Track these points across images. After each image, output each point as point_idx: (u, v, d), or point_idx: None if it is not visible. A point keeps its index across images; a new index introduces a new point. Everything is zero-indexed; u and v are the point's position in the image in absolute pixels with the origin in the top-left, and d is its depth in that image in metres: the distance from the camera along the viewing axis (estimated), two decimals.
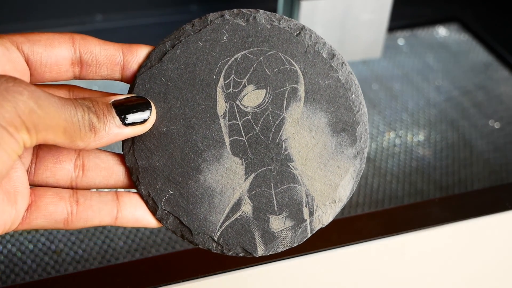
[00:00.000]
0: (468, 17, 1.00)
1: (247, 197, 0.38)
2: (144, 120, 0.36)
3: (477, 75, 0.91)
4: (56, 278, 0.49)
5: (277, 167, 0.38)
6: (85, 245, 0.62)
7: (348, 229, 0.52)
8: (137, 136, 0.37)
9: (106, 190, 0.40)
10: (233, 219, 0.38)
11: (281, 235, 0.38)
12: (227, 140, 0.38)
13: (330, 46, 0.38)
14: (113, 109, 0.34)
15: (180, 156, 0.38)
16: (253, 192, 0.38)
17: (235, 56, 0.38)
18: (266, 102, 0.38)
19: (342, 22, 0.78)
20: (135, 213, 0.38)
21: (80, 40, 0.36)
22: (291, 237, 0.38)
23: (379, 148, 0.77)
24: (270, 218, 0.38)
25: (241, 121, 0.38)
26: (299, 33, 0.38)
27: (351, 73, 0.38)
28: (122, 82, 0.39)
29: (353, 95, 0.38)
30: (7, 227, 0.34)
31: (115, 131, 0.34)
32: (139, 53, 0.38)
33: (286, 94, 0.38)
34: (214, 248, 0.38)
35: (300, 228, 0.38)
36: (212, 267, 0.48)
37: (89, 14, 0.86)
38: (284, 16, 0.38)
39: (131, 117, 0.35)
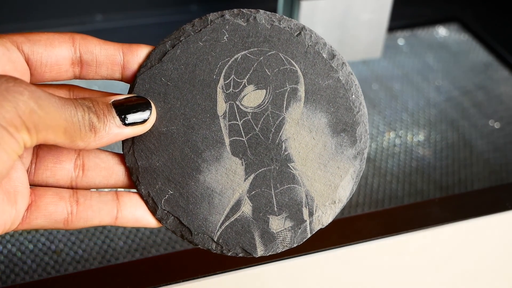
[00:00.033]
0: (468, 17, 1.00)
1: (247, 198, 0.38)
2: (144, 120, 0.36)
3: (477, 75, 0.91)
4: (56, 278, 0.49)
5: (277, 168, 0.38)
6: (85, 245, 0.62)
7: (348, 229, 0.52)
8: (137, 136, 0.37)
9: (106, 190, 0.40)
10: (232, 219, 0.38)
11: (280, 235, 0.38)
12: (227, 140, 0.38)
13: (331, 47, 0.38)
14: (113, 109, 0.34)
15: (180, 156, 0.38)
16: (253, 192, 0.38)
17: (235, 56, 0.38)
18: (266, 102, 0.38)
19: (342, 22, 0.78)
20: (135, 213, 0.38)
21: (80, 40, 0.36)
22: (290, 237, 0.38)
23: (379, 148, 0.77)
24: (270, 219, 0.38)
25: (241, 121, 0.38)
26: (299, 33, 0.38)
27: (351, 74, 0.38)
28: (122, 82, 0.39)
29: (353, 96, 0.38)
30: (7, 227, 0.34)
31: (115, 131, 0.34)
32: (139, 53, 0.38)
33: (286, 95, 0.38)
34: (213, 248, 0.38)
35: (300, 228, 0.38)
36: (212, 267, 0.48)
37: (89, 14, 0.86)
38: (285, 16, 0.38)
39: (131, 117, 0.35)
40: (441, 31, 0.99)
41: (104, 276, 0.48)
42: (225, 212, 0.38)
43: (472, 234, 0.55)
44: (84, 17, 0.85)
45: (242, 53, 0.38)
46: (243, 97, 0.38)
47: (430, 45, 0.96)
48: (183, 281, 0.47)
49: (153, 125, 0.37)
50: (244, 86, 0.38)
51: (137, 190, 0.38)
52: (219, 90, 0.38)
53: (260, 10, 0.38)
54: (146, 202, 0.38)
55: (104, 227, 0.64)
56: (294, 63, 0.38)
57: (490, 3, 1.02)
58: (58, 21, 0.84)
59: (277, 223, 0.38)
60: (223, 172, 0.38)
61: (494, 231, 0.56)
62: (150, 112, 0.36)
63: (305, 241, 0.39)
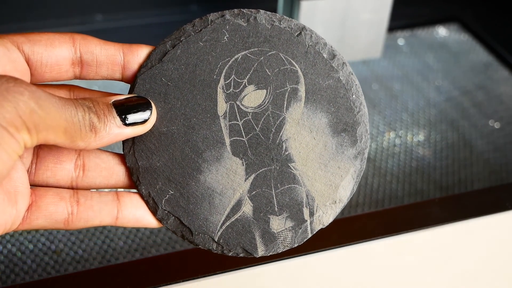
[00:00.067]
0: (468, 17, 1.00)
1: (247, 198, 0.38)
2: (145, 120, 0.36)
3: (477, 75, 0.91)
4: (56, 278, 0.49)
5: (278, 168, 0.38)
6: (85, 245, 0.62)
7: (348, 229, 0.52)
8: (138, 136, 0.37)
9: (106, 190, 0.40)
10: (233, 219, 0.38)
11: (281, 235, 0.38)
12: (227, 141, 0.38)
13: (331, 47, 0.38)
14: (113, 109, 0.34)
15: (181, 156, 0.38)
16: (254, 192, 0.38)
17: (236, 56, 0.38)
18: (266, 102, 0.38)
19: (342, 22, 0.78)
20: (136, 213, 0.38)
21: (80, 40, 0.36)
22: (291, 237, 0.38)
23: (379, 148, 0.77)
24: (271, 219, 0.38)
25: (242, 121, 0.38)
26: (300, 33, 0.38)
27: (352, 74, 0.38)
28: (122, 82, 0.39)
29: (353, 96, 0.38)
30: (8, 227, 0.34)
31: (116, 131, 0.34)
32: (140, 53, 0.38)
33: (287, 95, 0.38)
34: (214, 249, 0.38)
35: (301, 228, 0.38)
36: (212, 267, 0.48)
37: (89, 14, 0.86)
38: (285, 16, 0.38)
39: (131, 117, 0.35)
40: (441, 31, 0.99)
41: (104, 276, 0.48)
42: (226, 212, 0.38)
43: (472, 234, 0.55)
44: (84, 17, 0.85)
45: (243, 53, 0.38)
46: (244, 97, 0.38)
47: (430, 45, 0.96)
48: (183, 281, 0.47)
49: (153, 125, 0.37)
50: (245, 86, 0.38)
51: (137, 190, 0.38)
52: (219, 90, 0.38)
53: (261, 10, 0.38)
54: (147, 202, 0.38)
55: (104, 227, 0.64)
56: (294, 63, 0.38)
57: (490, 3, 1.02)
58: (58, 21, 0.84)
59: (278, 223, 0.38)
60: (224, 172, 0.38)
61: (494, 231, 0.56)
62: (151, 112, 0.36)
63: (306, 241, 0.39)
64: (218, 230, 0.38)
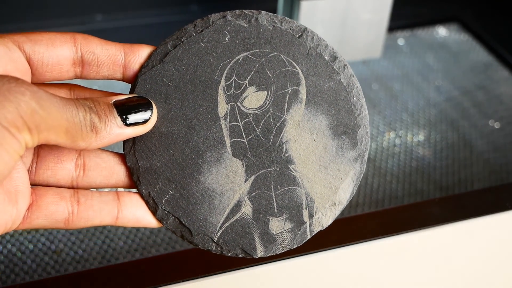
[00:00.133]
0: (468, 17, 1.00)
1: (247, 199, 0.38)
2: (145, 121, 0.36)
3: (477, 75, 0.91)
4: (56, 278, 0.49)
5: (278, 169, 0.38)
6: (85, 245, 0.62)
7: (348, 229, 0.52)
8: (138, 136, 0.37)
9: (106, 190, 0.40)
10: (233, 220, 0.38)
11: (280, 237, 0.38)
12: (227, 142, 0.38)
13: (332, 48, 0.38)
14: (114, 109, 0.34)
15: (181, 157, 0.38)
16: (253, 193, 0.38)
17: (237, 58, 0.38)
18: (267, 104, 0.38)
19: (342, 22, 0.78)
20: (136, 213, 0.38)
21: (81, 40, 0.36)
22: (290, 239, 0.38)
23: (379, 148, 0.77)
24: (270, 220, 0.38)
25: (242, 122, 0.38)
26: (301, 35, 0.38)
27: (353, 76, 0.38)
28: (123, 82, 0.39)
29: (354, 98, 0.38)
30: (8, 227, 0.34)
31: (117, 131, 0.34)
32: (141, 53, 0.38)
33: (288, 96, 0.38)
34: (213, 249, 0.38)
35: (300, 230, 0.38)
36: (212, 267, 0.48)
37: (89, 14, 0.86)
38: (286, 18, 0.38)
39: (132, 117, 0.35)
40: (441, 31, 0.99)
41: (104, 276, 0.48)
42: (225, 213, 0.38)
43: (472, 234, 0.55)
44: (84, 17, 0.85)
45: (244, 54, 0.38)
46: (244, 98, 0.38)
47: (430, 45, 0.96)
48: (183, 281, 0.47)
49: (154, 126, 0.37)
50: (245, 88, 0.38)
51: (137, 190, 0.38)
52: (220, 91, 0.38)
53: (262, 11, 0.38)
54: (147, 202, 0.38)
55: (104, 227, 0.64)
56: (295, 65, 0.38)
57: (490, 3, 1.02)
58: (58, 21, 0.84)
59: (277, 225, 0.38)
60: (224, 173, 0.38)
61: (494, 231, 0.56)
62: (151, 113, 0.36)
63: (305, 242, 0.39)
64: (218, 231, 0.38)
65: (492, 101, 0.86)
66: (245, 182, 0.38)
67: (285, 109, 0.38)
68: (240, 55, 0.38)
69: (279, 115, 0.38)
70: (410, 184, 0.73)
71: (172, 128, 0.38)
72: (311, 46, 0.38)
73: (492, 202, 0.56)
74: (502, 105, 0.85)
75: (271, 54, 0.38)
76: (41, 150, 0.37)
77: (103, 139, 0.34)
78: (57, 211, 0.36)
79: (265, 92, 0.38)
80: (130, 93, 0.38)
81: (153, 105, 0.36)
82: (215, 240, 0.38)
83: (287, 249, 0.39)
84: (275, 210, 0.38)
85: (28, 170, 0.36)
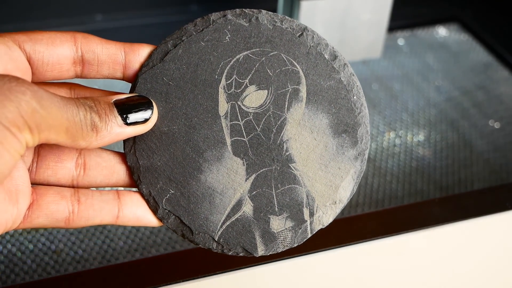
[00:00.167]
0: (468, 17, 1.00)
1: (248, 197, 0.38)
2: (146, 120, 0.36)
3: (477, 75, 0.91)
4: (56, 278, 0.49)
5: (278, 168, 0.38)
6: (85, 245, 0.62)
7: (348, 229, 0.52)
8: (139, 135, 0.37)
9: (107, 189, 0.40)
10: (233, 219, 0.38)
11: (281, 235, 0.38)
12: (228, 141, 0.38)
13: (332, 48, 0.38)
14: (115, 109, 0.34)
15: (182, 156, 0.38)
16: (254, 192, 0.38)
17: (237, 57, 0.38)
18: (267, 102, 0.38)
19: (342, 22, 0.78)
20: (136, 212, 0.38)
21: (82, 39, 0.36)
22: (291, 237, 0.38)
23: (379, 148, 0.77)
24: (271, 219, 0.38)
25: (243, 121, 0.38)
26: (302, 34, 0.38)
27: (353, 75, 0.38)
28: (124, 81, 0.39)
29: (354, 97, 0.38)
30: (9, 226, 0.34)
31: (117, 130, 0.34)
32: (141, 52, 0.38)
33: (288, 95, 0.38)
34: (214, 248, 0.38)
35: (301, 228, 0.38)
36: (212, 267, 0.48)
37: (89, 14, 0.86)
38: (287, 17, 0.38)
39: (132, 117, 0.35)
40: (441, 31, 0.99)
41: (104, 276, 0.48)
42: (226, 212, 0.38)
43: (472, 234, 0.55)
44: (84, 17, 0.85)
45: (244, 53, 0.38)
46: (245, 97, 0.38)
47: (430, 45, 0.96)
48: (183, 281, 0.47)
49: (154, 125, 0.37)
50: (246, 87, 0.38)
51: (138, 189, 0.38)
52: (220, 90, 0.38)
53: (262, 11, 0.38)
54: (147, 201, 0.38)
55: (104, 227, 0.64)
56: (296, 63, 0.38)
57: (490, 3, 1.02)
58: (58, 21, 0.84)
59: (278, 223, 0.38)
60: (224, 172, 0.38)
61: (494, 231, 0.56)
62: (152, 112, 0.36)
63: (306, 241, 0.39)
64: (219, 230, 0.38)
65: (492, 101, 0.86)
66: (245, 180, 0.38)
67: (286, 108, 0.38)
68: (240, 54, 0.38)
69: (279, 114, 0.38)
70: (410, 184, 0.73)
71: (172, 127, 0.38)
72: (311, 45, 0.38)
73: (492, 202, 0.56)
74: (502, 105, 0.85)
75: (272, 53, 0.38)
76: (41, 149, 0.37)
77: (104, 139, 0.34)
78: (57, 210, 0.36)
79: (266, 91, 0.38)
80: (130, 92, 0.38)
81: (154, 104, 0.36)
82: (216, 239, 0.38)
83: (287, 248, 0.39)
84: (276, 209, 0.38)
85: (28, 169, 0.36)
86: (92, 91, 0.38)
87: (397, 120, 0.82)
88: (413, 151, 0.77)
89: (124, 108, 0.35)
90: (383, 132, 0.80)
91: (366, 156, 0.39)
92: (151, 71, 0.38)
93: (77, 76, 0.37)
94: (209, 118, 0.38)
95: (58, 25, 0.84)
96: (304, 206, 0.38)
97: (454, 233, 0.54)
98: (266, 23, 0.38)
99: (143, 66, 0.38)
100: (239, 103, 0.38)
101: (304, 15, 0.75)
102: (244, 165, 0.38)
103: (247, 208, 0.38)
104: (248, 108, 0.38)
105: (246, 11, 0.38)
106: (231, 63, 0.38)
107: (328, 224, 0.39)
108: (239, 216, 0.38)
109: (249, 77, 0.38)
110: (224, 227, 0.38)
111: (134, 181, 0.38)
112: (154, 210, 0.38)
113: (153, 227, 0.64)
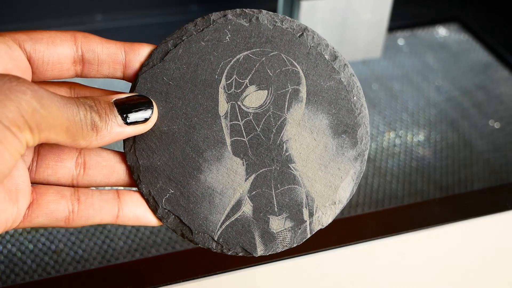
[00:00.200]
0: (468, 17, 1.00)
1: (247, 198, 0.38)
2: (146, 119, 0.36)
3: (477, 75, 0.91)
4: (56, 278, 0.49)
5: (278, 168, 0.38)
6: (85, 245, 0.62)
7: (348, 229, 0.52)
8: (139, 135, 0.37)
9: (107, 188, 0.40)
10: (233, 219, 0.38)
11: (280, 235, 0.38)
12: (228, 141, 0.38)
13: (333, 48, 0.38)
14: (115, 108, 0.34)
15: (181, 156, 0.38)
16: (254, 192, 0.38)
17: (237, 57, 0.38)
18: (267, 103, 0.38)
19: (342, 22, 0.78)
20: (136, 211, 0.38)
21: (82, 39, 0.36)
22: (290, 237, 0.38)
23: (379, 148, 0.77)
24: (270, 219, 0.38)
25: (243, 121, 0.38)
26: (302, 34, 0.38)
27: (353, 75, 0.38)
28: (124, 81, 0.39)
29: (354, 97, 0.38)
30: (9, 225, 0.34)
31: (117, 130, 0.34)
32: (141, 52, 0.38)
33: (288, 95, 0.38)
34: (214, 247, 0.38)
35: (300, 229, 0.38)
36: (212, 267, 0.48)
37: (89, 14, 0.86)
38: (287, 17, 0.38)
39: (133, 116, 0.35)
40: (441, 31, 0.99)
41: (104, 276, 0.48)
42: (226, 212, 0.38)
43: (472, 234, 0.55)
44: (84, 17, 0.85)
45: (244, 53, 0.38)
46: (245, 97, 0.38)
47: (430, 45, 0.96)
48: (183, 281, 0.47)
49: (154, 124, 0.37)
50: (246, 87, 0.38)
51: (138, 188, 0.38)
52: (220, 90, 0.38)
53: (263, 11, 0.38)
54: (147, 201, 0.38)
55: (104, 227, 0.64)
56: (296, 64, 0.38)
57: (490, 3, 1.02)
58: (58, 21, 0.84)
59: (277, 223, 0.38)
60: (224, 172, 0.38)
61: (494, 231, 0.56)
62: (152, 111, 0.36)
63: (305, 241, 0.39)
64: (218, 229, 0.38)
65: (492, 101, 0.86)
66: (245, 180, 0.38)
67: (286, 108, 0.38)
68: (240, 54, 0.38)
69: (279, 114, 0.38)
70: (410, 184, 0.73)
71: (172, 127, 0.38)
72: (311, 45, 0.38)
73: (492, 202, 0.56)
74: (502, 105, 0.85)
75: (272, 53, 0.38)
76: (41, 148, 0.37)
77: (104, 138, 0.34)
78: (57, 210, 0.36)
79: (266, 91, 0.38)
80: (130, 92, 0.38)
81: (154, 104, 0.36)
82: (215, 239, 0.38)
83: (287, 248, 0.39)
84: (275, 209, 0.38)
85: (28, 169, 0.36)
86: (92, 90, 0.38)
87: (397, 120, 0.82)
88: (413, 151, 0.77)
89: (124, 108, 0.35)
90: (383, 132, 0.80)
91: (366, 156, 0.39)
92: (151, 71, 0.38)
93: (77, 76, 0.37)
94: (209, 118, 0.38)
95: (58, 25, 0.84)
96: (304, 206, 0.38)
97: (454, 233, 0.54)
98: (266, 23, 0.38)
99: (143, 65, 0.38)
100: (239, 103, 0.38)
101: (304, 15, 0.75)
102: (243, 165, 0.38)
103: (247, 208, 0.38)
104: (248, 108, 0.38)
105: (247, 11, 0.38)
106: (231, 63, 0.38)
107: (327, 224, 0.39)
108: (239, 216, 0.38)
109: (249, 77, 0.38)
110: (223, 227, 0.38)
111: (134, 181, 0.38)
112: (154, 210, 0.38)
113: (153, 227, 0.64)
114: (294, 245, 0.39)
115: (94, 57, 0.36)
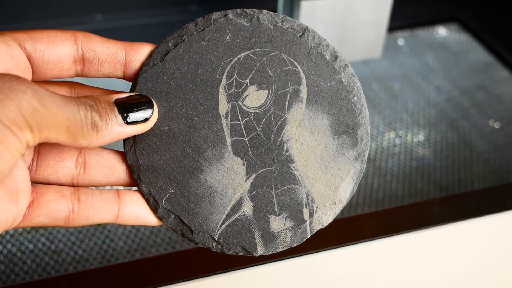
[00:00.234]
0: (468, 17, 1.00)
1: (247, 197, 0.38)
2: (146, 119, 0.36)
3: (477, 75, 0.91)
4: (56, 278, 0.49)
5: (278, 168, 0.38)
6: (85, 245, 0.62)
7: (348, 229, 0.52)
8: (139, 134, 0.37)
9: (107, 188, 0.40)
10: (233, 218, 0.38)
11: (281, 235, 0.38)
12: (228, 140, 0.38)
13: (333, 48, 0.38)
14: (115, 108, 0.34)
15: (182, 155, 0.38)
16: (254, 192, 0.38)
17: (238, 56, 0.38)
18: (268, 103, 0.38)
19: (342, 22, 0.78)
20: (136, 211, 0.38)
21: (82, 38, 0.36)
22: (290, 237, 0.38)
23: (379, 148, 0.77)
24: (270, 219, 0.38)
25: (243, 121, 0.38)
26: (302, 34, 0.38)
27: (354, 75, 0.38)
28: (124, 80, 0.39)
29: (355, 98, 0.38)
30: (9, 225, 0.34)
31: (117, 129, 0.34)
32: (142, 51, 0.38)
33: (288, 95, 0.38)
34: (214, 247, 0.38)
35: (300, 228, 0.38)
36: (212, 267, 0.48)
37: (89, 14, 0.86)
38: (288, 17, 0.38)
39: (133, 116, 0.35)
40: (441, 31, 0.99)
41: (104, 276, 0.48)
42: (226, 212, 0.38)
43: (472, 234, 0.55)
44: (84, 17, 0.85)
45: (245, 53, 0.38)
46: (245, 97, 0.38)
47: (430, 45, 0.96)
48: (183, 281, 0.47)
49: (155, 124, 0.37)
50: (247, 87, 0.38)
51: (138, 188, 0.38)
52: (221, 90, 0.38)
53: (263, 10, 0.38)
54: (147, 201, 0.38)
55: (104, 226, 0.64)
56: (296, 64, 0.38)
57: (490, 3, 1.02)
58: (58, 21, 0.84)
59: (278, 223, 0.38)
60: (225, 171, 0.38)
61: (494, 231, 0.56)
62: (152, 111, 0.36)
63: (305, 241, 0.39)
64: (218, 229, 0.38)
65: (492, 101, 0.86)
66: (245, 180, 0.38)
67: (286, 108, 0.38)
68: (241, 54, 0.38)
69: (280, 114, 0.38)
70: (410, 184, 0.73)
71: (173, 126, 0.38)
72: (312, 45, 0.38)
73: (492, 202, 0.56)
74: (502, 105, 0.85)
75: (272, 53, 0.38)
76: (41, 148, 0.37)
77: (104, 138, 0.34)
78: (57, 209, 0.36)
79: (266, 91, 0.38)
80: (131, 91, 0.38)
81: (154, 103, 0.36)
82: (216, 238, 0.38)
83: (287, 248, 0.39)
84: (276, 209, 0.38)
85: (28, 168, 0.36)
86: (93, 90, 0.38)
87: (397, 120, 0.82)
88: (413, 151, 0.77)
89: (125, 107, 0.35)
90: (383, 132, 0.80)
91: (366, 157, 0.39)
92: (152, 70, 0.38)
93: (77, 75, 0.37)
94: (210, 117, 0.38)
95: (58, 25, 0.84)
96: (304, 206, 0.38)
97: (454, 233, 0.54)
98: (267, 23, 0.38)
99: (143, 65, 0.38)
100: (239, 103, 0.38)
101: (304, 15, 0.75)
102: (244, 165, 0.38)
103: (247, 208, 0.38)
104: (249, 108, 0.38)
105: (247, 11, 0.38)
106: (231, 63, 0.38)
107: (327, 224, 0.39)
108: (239, 215, 0.38)
109: (249, 77, 0.38)
110: (223, 226, 0.38)
111: (134, 180, 0.38)
112: (154, 209, 0.38)
113: (153, 227, 0.64)
114: (294, 245, 0.39)
115: (94, 57, 0.36)
